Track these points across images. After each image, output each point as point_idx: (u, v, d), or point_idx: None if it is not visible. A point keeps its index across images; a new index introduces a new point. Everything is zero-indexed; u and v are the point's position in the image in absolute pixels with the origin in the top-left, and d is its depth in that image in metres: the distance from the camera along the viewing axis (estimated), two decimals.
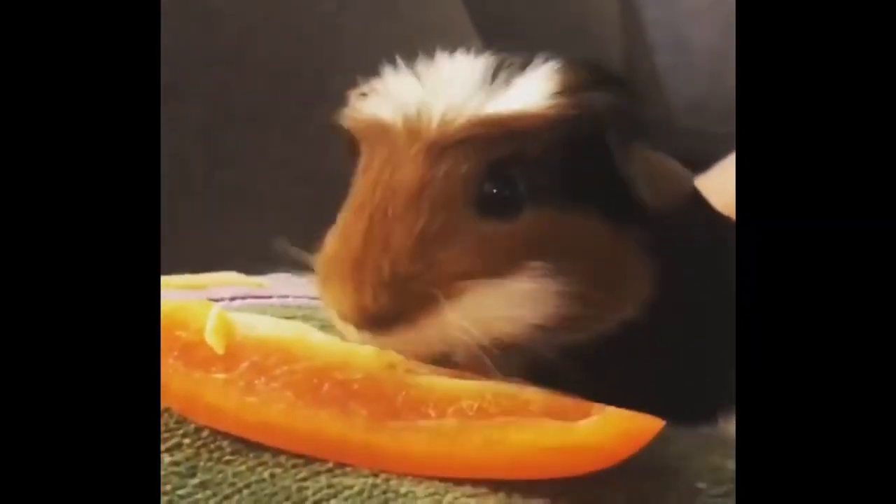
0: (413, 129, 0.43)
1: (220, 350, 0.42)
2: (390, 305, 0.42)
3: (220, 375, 0.41)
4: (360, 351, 0.43)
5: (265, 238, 0.87)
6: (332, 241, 0.45)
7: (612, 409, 0.42)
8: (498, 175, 0.43)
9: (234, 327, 0.43)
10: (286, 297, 0.55)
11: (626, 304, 0.44)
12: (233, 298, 0.53)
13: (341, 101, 0.48)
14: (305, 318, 0.52)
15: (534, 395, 0.43)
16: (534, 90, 0.44)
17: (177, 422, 0.42)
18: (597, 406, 0.43)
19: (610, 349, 0.44)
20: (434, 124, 0.43)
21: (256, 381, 0.41)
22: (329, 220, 0.90)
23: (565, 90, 0.44)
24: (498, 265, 0.42)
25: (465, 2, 1.07)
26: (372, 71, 0.92)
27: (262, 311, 0.52)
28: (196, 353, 0.42)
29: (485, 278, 0.42)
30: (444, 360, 0.44)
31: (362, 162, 0.46)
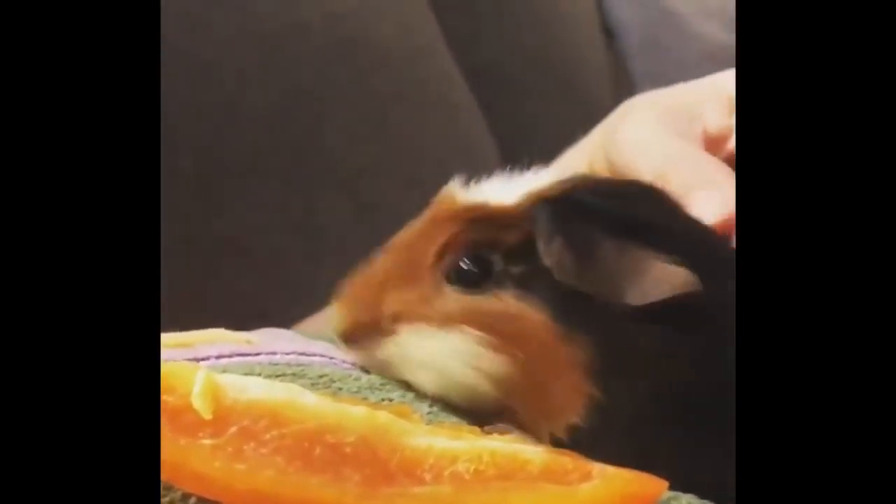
0: (434, 207, 0.52)
1: (207, 415, 0.40)
2: (350, 321, 0.52)
3: (208, 441, 0.40)
4: (352, 412, 0.42)
5: (257, 288, 0.88)
6: None
7: (612, 471, 0.41)
8: (473, 254, 0.49)
9: (223, 391, 0.41)
10: (274, 353, 0.53)
11: (570, 408, 0.46)
12: (219, 356, 0.51)
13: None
14: (295, 376, 0.51)
15: (533, 454, 0.42)
16: (513, 187, 0.51)
17: (164, 488, 0.40)
18: (598, 466, 0.42)
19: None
20: (444, 204, 0.52)
21: (245, 447, 0.40)
22: (319, 269, 0.90)
23: (533, 192, 0.50)
24: (439, 318, 0.49)
25: (457, 54, 1.07)
26: (362, 123, 0.93)
27: (250, 368, 0.51)
28: (183, 419, 0.40)
29: (425, 323, 0.49)
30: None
31: None
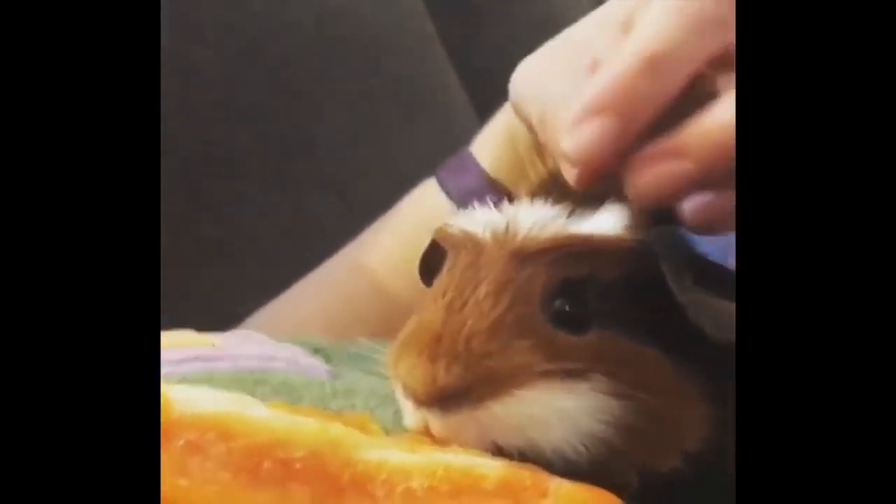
0: (500, 240, 0.46)
1: None
2: (461, 378, 0.43)
3: None
4: (304, 425, 0.41)
5: (245, 289, 0.87)
6: (410, 323, 0.46)
7: (569, 487, 0.40)
8: (570, 293, 0.45)
9: (170, 405, 0.40)
10: (238, 357, 0.52)
11: (686, 437, 0.45)
12: (180, 361, 0.51)
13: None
14: (257, 382, 0.50)
15: (489, 469, 0.41)
16: (608, 220, 0.47)
17: None
18: (555, 481, 0.41)
19: (672, 484, 0.44)
20: (520, 236, 0.46)
21: (190, 461, 0.39)
22: (308, 270, 0.89)
23: (634, 223, 0.47)
24: (565, 370, 0.44)
25: (452, 57, 1.06)
26: (354, 124, 0.90)
27: (210, 375, 0.50)
28: None
29: (552, 378, 0.43)
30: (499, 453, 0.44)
31: (446, 264, 0.48)
